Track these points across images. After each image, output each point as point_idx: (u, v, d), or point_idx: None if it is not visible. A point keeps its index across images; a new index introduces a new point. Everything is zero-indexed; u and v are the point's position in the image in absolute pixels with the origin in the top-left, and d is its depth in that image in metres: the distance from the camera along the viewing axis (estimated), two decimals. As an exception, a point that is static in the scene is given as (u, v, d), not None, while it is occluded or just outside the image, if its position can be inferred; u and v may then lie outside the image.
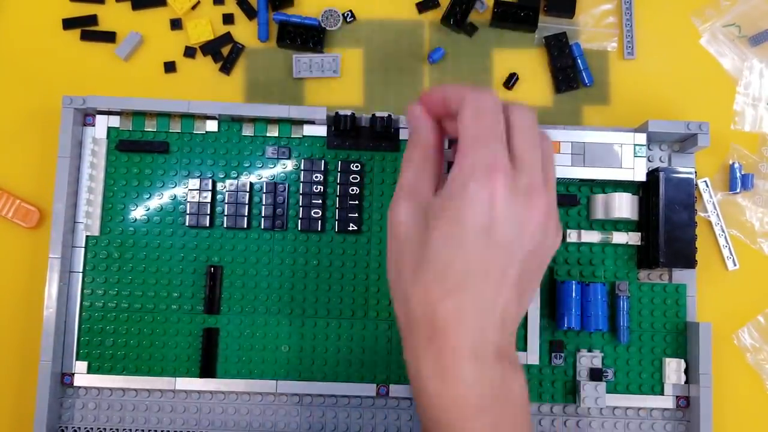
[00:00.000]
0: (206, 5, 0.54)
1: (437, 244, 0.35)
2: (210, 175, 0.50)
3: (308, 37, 0.52)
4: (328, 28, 0.53)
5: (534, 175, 0.36)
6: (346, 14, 0.53)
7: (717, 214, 0.52)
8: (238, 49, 0.53)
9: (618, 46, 0.54)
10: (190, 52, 0.53)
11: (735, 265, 0.51)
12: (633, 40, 0.53)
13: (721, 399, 0.50)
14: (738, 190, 0.52)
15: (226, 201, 0.50)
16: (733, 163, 0.52)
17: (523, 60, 0.54)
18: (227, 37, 0.53)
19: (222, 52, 0.53)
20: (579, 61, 0.53)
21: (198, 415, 0.49)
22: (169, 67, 0.53)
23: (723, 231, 0.52)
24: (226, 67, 0.53)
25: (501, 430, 0.35)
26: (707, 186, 0.52)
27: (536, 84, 0.53)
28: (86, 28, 0.53)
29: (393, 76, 0.53)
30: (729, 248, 0.51)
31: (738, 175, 0.52)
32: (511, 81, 0.53)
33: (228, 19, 0.54)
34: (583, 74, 0.53)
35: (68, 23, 0.53)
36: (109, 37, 0.53)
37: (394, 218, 0.37)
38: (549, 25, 0.54)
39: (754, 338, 0.51)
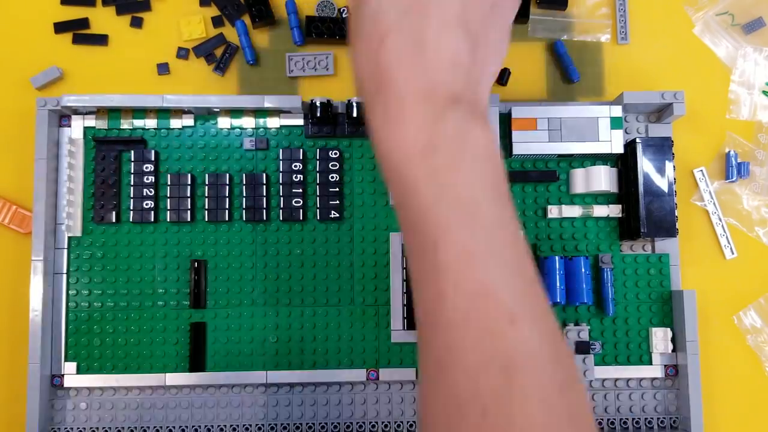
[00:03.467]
0: (193, 6, 0.54)
1: None
2: (189, 170, 0.50)
3: (335, 30, 0.52)
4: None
5: None
6: (342, 9, 0.53)
7: (714, 203, 0.52)
8: (231, 50, 0.53)
9: (611, 34, 0.53)
10: (182, 54, 0.53)
11: (733, 253, 0.52)
12: (626, 25, 0.53)
13: (718, 377, 0.50)
14: (734, 179, 0.52)
15: (206, 195, 0.50)
16: (729, 152, 0.52)
17: (518, 53, 0.53)
18: (220, 38, 0.53)
19: (215, 53, 0.53)
20: (564, 58, 0.53)
21: (190, 410, 0.49)
22: (163, 68, 0.53)
23: (720, 220, 0.51)
24: (220, 68, 0.53)
25: (453, 177, 0.33)
26: (703, 175, 0.52)
27: (531, 77, 0.53)
28: (78, 31, 0.53)
29: None
30: (726, 237, 0.51)
31: (734, 163, 0.51)
32: (504, 76, 0.53)
33: (218, 21, 0.53)
34: (569, 70, 0.53)
35: (60, 27, 0.53)
36: (101, 40, 0.53)
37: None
38: (542, 17, 0.53)
39: (755, 320, 0.51)
